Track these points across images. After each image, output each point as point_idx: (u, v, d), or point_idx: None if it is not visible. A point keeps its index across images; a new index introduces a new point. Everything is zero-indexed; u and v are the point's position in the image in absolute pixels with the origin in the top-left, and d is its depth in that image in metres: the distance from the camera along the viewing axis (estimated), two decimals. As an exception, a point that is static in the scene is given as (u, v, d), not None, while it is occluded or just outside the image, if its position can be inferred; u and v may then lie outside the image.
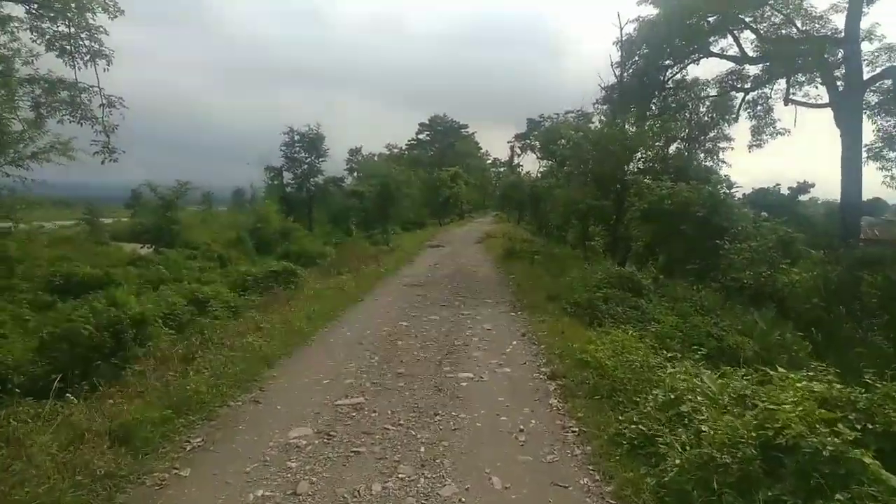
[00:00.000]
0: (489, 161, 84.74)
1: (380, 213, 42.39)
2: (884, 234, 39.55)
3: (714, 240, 16.05)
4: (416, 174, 51.43)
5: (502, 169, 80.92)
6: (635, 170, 22.83)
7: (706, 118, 32.90)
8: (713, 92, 32.87)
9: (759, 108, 31.47)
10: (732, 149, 29.19)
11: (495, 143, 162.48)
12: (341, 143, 51.86)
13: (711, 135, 34.19)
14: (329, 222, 50.83)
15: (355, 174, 55.97)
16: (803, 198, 43.24)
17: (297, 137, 49.09)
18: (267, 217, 44.19)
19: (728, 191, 16.75)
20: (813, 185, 42.09)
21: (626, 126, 22.50)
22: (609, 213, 22.16)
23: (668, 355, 7.31)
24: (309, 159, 49.68)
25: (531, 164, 71.96)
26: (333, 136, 79.74)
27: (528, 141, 65.55)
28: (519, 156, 71.69)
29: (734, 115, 32.14)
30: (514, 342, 9.45)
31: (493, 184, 78.16)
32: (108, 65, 17.88)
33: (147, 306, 18.92)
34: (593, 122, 26.56)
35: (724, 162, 24.80)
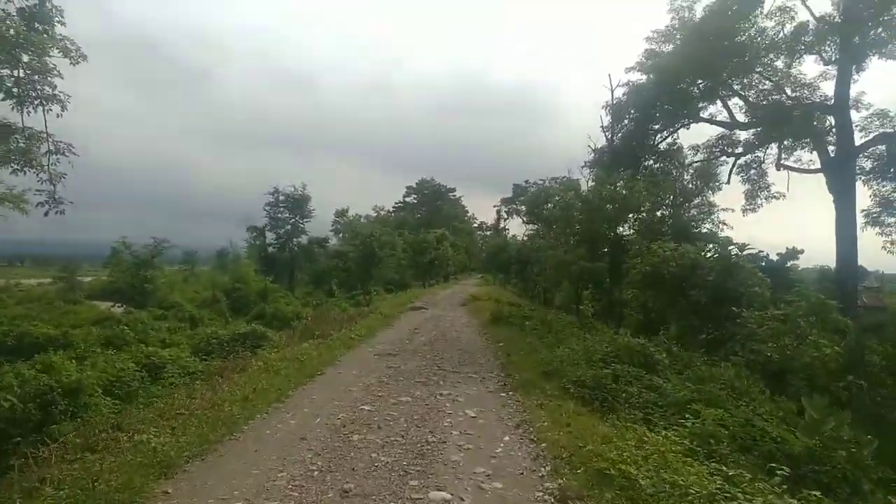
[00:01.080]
0: (475, 224, 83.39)
1: (362, 274, 40.09)
2: (871, 301, 37.82)
3: (727, 307, 13.92)
4: (402, 236, 49.53)
5: (488, 232, 79.46)
6: (629, 231, 20.97)
7: (690, 185, 31.46)
8: (701, 157, 31.70)
9: (752, 171, 30.10)
10: (733, 210, 27.42)
11: (481, 209, 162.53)
12: (330, 207, 49.88)
13: (696, 202, 32.71)
14: (311, 283, 48.50)
15: (340, 235, 54.03)
16: (792, 264, 41.51)
17: (281, 198, 47.34)
18: (245, 277, 41.77)
19: (740, 252, 14.69)
20: (802, 252, 40.44)
21: (618, 186, 20.76)
22: (602, 275, 20.08)
23: (730, 473, 4.97)
24: (293, 220, 47.82)
25: (517, 228, 70.73)
26: (322, 200, 78.22)
27: (515, 205, 64.22)
28: (505, 220, 70.36)
29: (719, 183, 30.72)
30: (506, 438, 7.02)
31: (479, 246, 76.44)
32: (63, 110, 15.83)
33: (86, 374, 16.31)
34: (581, 187, 24.91)
35: (724, 224, 23.07)
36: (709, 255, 15.27)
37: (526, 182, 59.62)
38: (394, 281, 48.80)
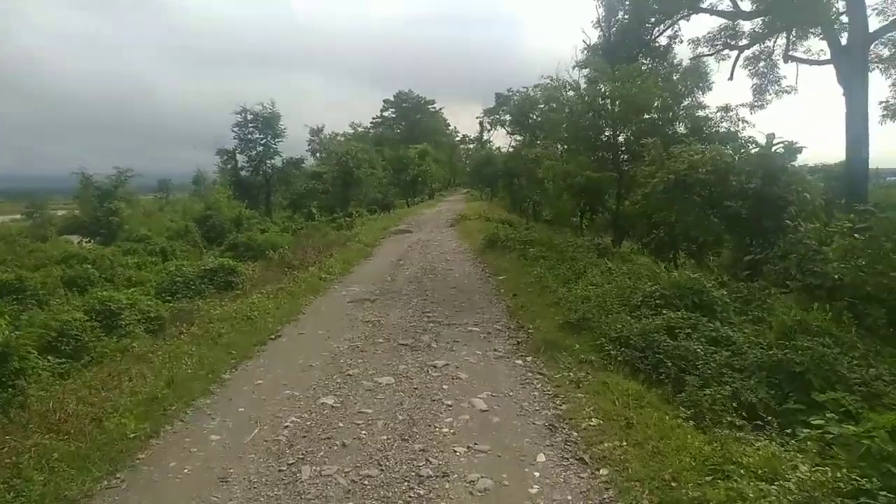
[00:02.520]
0: (458, 138, 79.26)
1: (341, 196, 36.89)
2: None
3: (773, 219, 11.24)
4: (382, 153, 45.94)
5: (472, 145, 75.59)
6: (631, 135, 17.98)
7: (679, 87, 28.14)
8: (703, 51, 28.21)
9: (761, 64, 26.77)
10: (761, 106, 24.37)
11: (463, 121, 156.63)
12: (307, 128, 45.83)
13: (685, 103, 29.36)
14: (289, 207, 45.23)
15: (317, 155, 50.26)
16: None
17: (250, 117, 43.15)
18: (217, 204, 38.42)
19: (788, 151, 11.84)
20: (802, 149, 37.73)
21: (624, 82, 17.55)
22: (609, 186, 17.23)
23: None
24: (264, 140, 43.83)
25: (501, 139, 67.01)
26: (298, 120, 73.26)
27: (498, 115, 60.00)
28: (489, 131, 66.06)
29: (710, 82, 27.25)
30: (540, 457, 4.39)
31: (464, 160, 72.86)
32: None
33: (13, 333, 13.50)
34: (570, 89, 21.49)
35: (744, 121, 20.00)
36: (751, 157, 12.43)
37: (509, 90, 55.32)
38: (377, 201, 45.68)
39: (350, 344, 7.47)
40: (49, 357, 13.08)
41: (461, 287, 11.05)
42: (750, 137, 17.37)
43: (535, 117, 45.85)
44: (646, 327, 6.78)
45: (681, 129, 18.14)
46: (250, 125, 43.29)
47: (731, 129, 18.68)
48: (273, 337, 7.99)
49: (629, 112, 16.97)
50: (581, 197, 18.09)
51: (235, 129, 43.16)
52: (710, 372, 5.99)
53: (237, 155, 43.91)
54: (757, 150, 12.60)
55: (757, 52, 26.64)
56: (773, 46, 26.50)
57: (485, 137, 68.64)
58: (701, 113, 18.39)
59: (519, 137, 51.76)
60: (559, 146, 22.72)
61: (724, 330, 6.94)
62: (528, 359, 6.68)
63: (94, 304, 15.97)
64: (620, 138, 17.74)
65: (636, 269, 9.61)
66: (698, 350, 6.33)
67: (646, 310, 7.55)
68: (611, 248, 14.77)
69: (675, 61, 26.64)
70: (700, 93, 27.52)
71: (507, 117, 56.35)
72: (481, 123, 66.70)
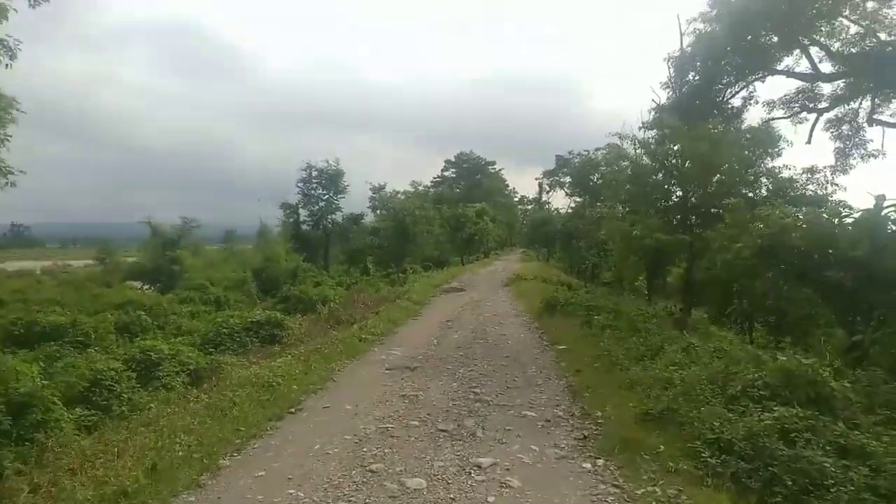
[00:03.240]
0: (516, 198, 78.47)
1: (396, 251, 36.16)
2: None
3: (882, 293, 9.42)
4: (439, 210, 45.35)
5: (530, 206, 74.56)
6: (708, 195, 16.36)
7: (746, 151, 26.25)
8: (780, 114, 26.48)
9: (845, 127, 24.83)
10: (844, 170, 22.21)
11: (522, 183, 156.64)
12: (367, 184, 45.91)
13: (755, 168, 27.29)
14: (346, 261, 44.93)
15: (377, 211, 50.11)
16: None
17: (314, 173, 43.62)
18: (275, 256, 38.44)
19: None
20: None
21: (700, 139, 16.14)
22: (682, 250, 15.56)
23: None
24: (327, 196, 44.09)
25: (560, 201, 65.56)
26: (361, 179, 74.16)
27: (557, 177, 59.00)
28: (547, 192, 64.98)
29: (779, 148, 25.07)
30: None
31: (521, 220, 71.74)
32: (12, 59, 12.03)
33: (41, 382, 12.76)
34: (638, 146, 20.13)
35: (834, 184, 18.00)
36: (848, 221, 10.70)
37: (570, 153, 54.44)
38: (432, 258, 44.85)
39: (379, 425, 6.13)
40: (78, 408, 12.30)
41: (515, 357, 9.61)
42: (842, 201, 15.53)
43: (595, 179, 44.73)
44: (752, 428, 5.17)
45: (762, 191, 16.46)
46: (314, 181, 43.74)
47: (818, 191, 16.91)
48: (293, 410, 6.74)
49: (700, 172, 15.47)
50: (648, 261, 16.45)
51: (300, 185, 43.67)
52: (846, 496, 4.36)
53: (300, 209, 44.27)
54: (860, 213, 10.84)
55: (840, 115, 24.77)
56: (858, 108, 24.61)
57: (543, 198, 67.64)
58: (785, 174, 16.68)
59: (578, 199, 50.56)
60: (621, 207, 21.24)
61: (854, 436, 5.27)
62: (599, 462, 5.15)
63: (136, 354, 15.26)
64: (693, 199, 16.17)
65: (728, 349, 7.94)
66: (826, 464, 4.69)
67: (747, 402, 5.92)
68: (686, 318, 13.01)
69: (746, 125, 25.03)
70: (769, 158, 25.71)
71: (567, 179, 55.36)
72: (540, 185, 65.85)
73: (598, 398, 6.95)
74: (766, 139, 17.23)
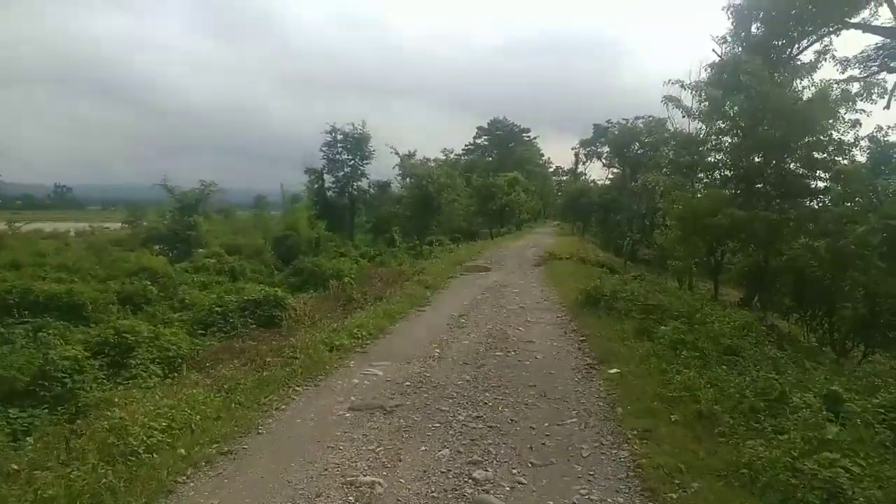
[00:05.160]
0: (551, 169, 74.00)
1: (420, 221, 32.90)
2: None
3: None
4: (471, 179, 41.76)
5: (565, 177, 70.20)
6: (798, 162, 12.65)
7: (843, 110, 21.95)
8: (855, 73, 22.02)
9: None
10: None
11: (558, 153, 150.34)
12: (389, 151, 42.15)
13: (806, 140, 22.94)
14: (372, 231, 41.97)
15: (407, 179, 46.94)
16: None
17: (339, 137, 40.43)
18: (296, 224, 35.61)
19: None
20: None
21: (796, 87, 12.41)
22: (762, 231, 11.91)
23: None
24: (352, 161, 40.94)
25: (597, 172, 61.13)
26: (392, 143, 70.38)
27: (595, 147, 54.60)
28: (584, 163, 60.56)
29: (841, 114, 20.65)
30: None
31: (555, 192, 67.53)
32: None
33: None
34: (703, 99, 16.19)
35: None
36: None
37: (608, 122, 50.01)
38: (461, 229, 41.51)
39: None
40: (13, 409, 9.74)
41: (545, 387, 6.31)
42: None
43: (636, 149, 40.50)
44: None
45: (860, 157, 12.65)
46: (339, 145, 40.60)
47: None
48: (166, 491, 3.68)
49: (788, 131, 11.72)
50: (713, 240, 12.82)
51: (324, 149, 40.60)
52: None
53: (324, 175, 41.29)
54: None
55: (937, 76, 20.27)
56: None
57: (579, 169, 63.25)
58: (891, 137, 12.82)
59: (617, 170, 46.31)
60: (675, 176, 17.48)
61: None
62: None
63: (109, 336, 12.56)
64: (773, 166, 12.42)
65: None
66: None
67: None
68: (788, 333, 9.50)
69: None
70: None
71: (605, 149, 50.96)
72: (577, 155, 61.48)
73: (684, 476, 3.68)
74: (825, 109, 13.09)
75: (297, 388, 6.08)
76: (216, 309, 15.42)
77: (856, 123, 11.78)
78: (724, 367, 6.12)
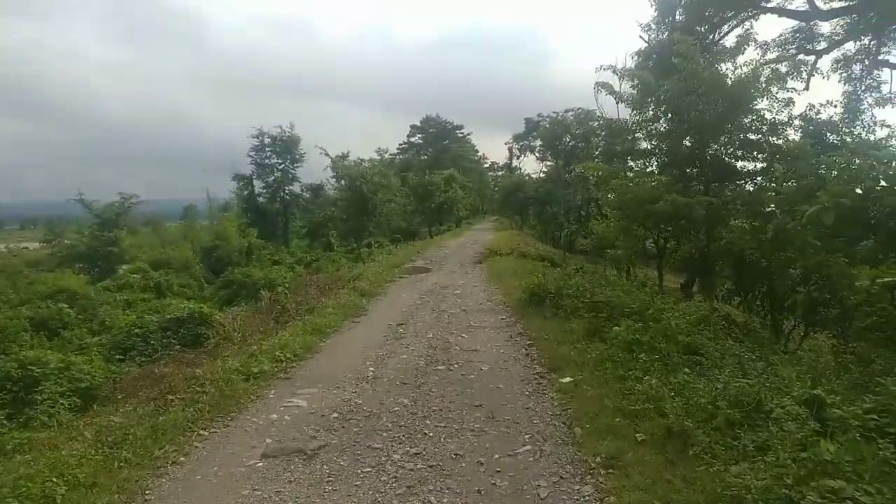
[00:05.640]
0: (486, 165, 73.87)
1: (357, 224, 31.72)
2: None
3: None
4: (407, 179, 40.76)
5: (500, 172, 70.20)
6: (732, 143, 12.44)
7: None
8: (774, 56, 22.43)
9: (855, 67, 20.90)
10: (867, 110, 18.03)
11: (491, 149, 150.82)
12: (319, 152, 40.31)
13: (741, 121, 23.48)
14: (307, 236, 40.42)
15: (341, 182, 45.54)
16: None
17: (267, 140, 38.64)
18: (225, 233, 33.77)
19: None
20: None
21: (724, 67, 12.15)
22: (702, 217, 11.59)
23: None
24: (283, 165, 39.21)
25: (531, 166, 61.42)
26: (325, 146, 68.42)
27: (528, 141, 54.69)
28: (518, 157, 60.55)
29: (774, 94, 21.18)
30: None
31: (492, 187, 67.42)
32: None
33: None
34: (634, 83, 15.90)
35: (886, 125, 13.71)
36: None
37: (539, 116, 50.14)
38: (400, 229, 40.51)
39: None
40: None
41: (492, 405, 5.51)
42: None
43: (566, 142, 40.59)
44: None
45: (793, 136, 12.51)
46: (267, 149, 38.82)
47: (865, 135, 13.09)
48: None
49: (722, 114, 11.44)
50: (656, 228, 12.44)
51: (252, 154, 38.71)
52: None
53: (254, 180, 39.39)
54: None
55: (852, 54, 20.83)
56: (871, 46, 20.67)
57: (514, 164, 63.30)
58: (822, 115, 12.76)
59: (550, 163, 46.40)
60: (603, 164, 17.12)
61: None
62: None
63: (11, 370, 11.05)
64: (711, 150, 12.14)
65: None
66: None
67: None
68: (756, 326, 9.08)
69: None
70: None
71: (538, 143, 51.01)
72: (510, 149, 61.42)
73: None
74: (791, 74, 13.05)
75: (201, 432, 5.03)
76: (136, 331, 14.11)
77: (789, 102, 11.62)
78: (687, 370, 5.49)
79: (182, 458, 4.52)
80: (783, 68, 11.64)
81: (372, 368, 6.93)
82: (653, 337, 6.27)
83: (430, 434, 4.89)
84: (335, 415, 5.40)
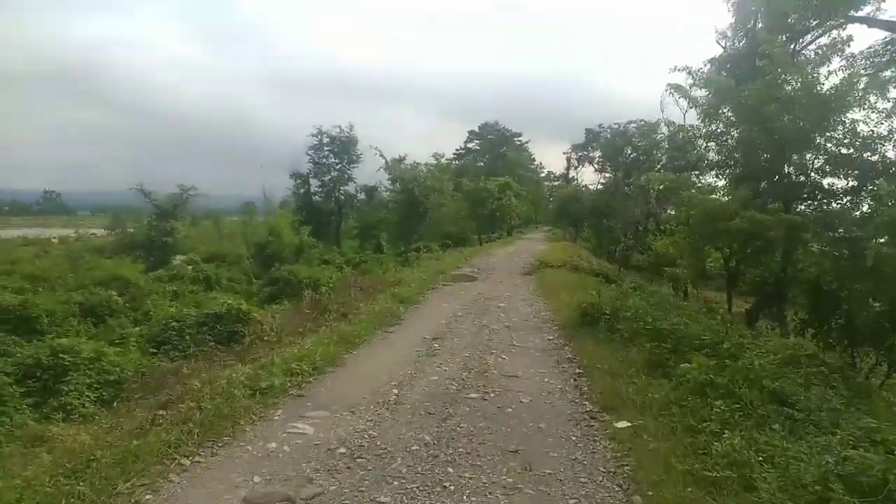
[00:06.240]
0: (543, 174, 72.27)
1: (408, 227, 31.07)
2: None
3: None
4: (461, 184, 39.92)
5: (556, 182, 68.48)
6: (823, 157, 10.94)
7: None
8: (862, 70, 20.42)
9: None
10: None
11: (549, 159, 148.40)
12: (374, 152, 39.76)
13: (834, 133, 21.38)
14: (358, 236, 40.16)
15: (395, 184, 45.15)
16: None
17: (325, 140, 38.60)
18: (278, 230, 33.79)
19: None
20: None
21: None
22: (781, 237, 10.15)
23: None
24: (339, 165, 39.07)
25: (589, 177, 59.54)
26: (386, 152, 68.15)
27: (587, 152, 53.05)
28: (576, 168, 58.85)
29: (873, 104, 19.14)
30: None
31: (547, 197, 65.76)
32: None
33: None
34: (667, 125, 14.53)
35: None
36: None
37: (600, 126, 48.47)
38: (452, 235, 39.65)
39: None
40: None
41: (531, 452, 4.50)
42: None
43: (628, 153, 38.84)
44: None
45: (892, 152, 10.91)
46: (326, 149, 38.78)
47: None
48: None
49: (818, 119, 10.02)
50: (732, 247, 11.07)
51: (310, 153, 38.75)
52: None
53: (310, 179, 39.44)
54: None
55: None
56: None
57: (571, 174, 61.54)
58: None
59: (609, 174, 44.61)
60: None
61: None
62: None
63: (42, 356, 10.72)
64: (794, 164, 10.69)
65: None
66: None
67: None
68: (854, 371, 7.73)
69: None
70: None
71: (597, 153, 49.26)
72: (568, 159, 59.76)
73: None
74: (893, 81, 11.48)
75: (182, 461, 4.23)
76: (172, 324, 13.68)
77: (890, 114, 10.07)
78: (777, 426, 4.32)
79: (148, 497, 3.71)
80: (888, 73, 10.11)
81: (396, 391, 6.03)
82: (731, 379, 5.09)
83: (452, 488, 3.93)
84: (342, 450, 4.51)
